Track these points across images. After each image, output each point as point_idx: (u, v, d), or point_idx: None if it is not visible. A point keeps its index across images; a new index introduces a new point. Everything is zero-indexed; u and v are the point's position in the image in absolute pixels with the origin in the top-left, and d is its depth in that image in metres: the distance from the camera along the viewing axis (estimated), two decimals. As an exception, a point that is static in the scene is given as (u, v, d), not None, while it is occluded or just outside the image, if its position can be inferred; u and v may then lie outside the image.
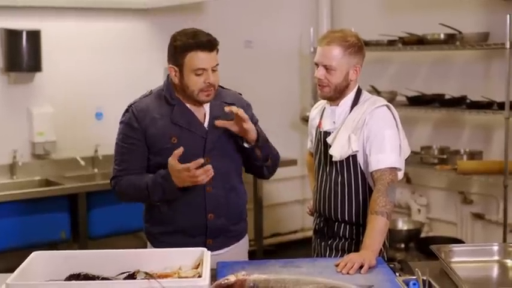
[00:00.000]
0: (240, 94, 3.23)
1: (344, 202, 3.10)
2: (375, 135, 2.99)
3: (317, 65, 3.07)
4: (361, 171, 3.06)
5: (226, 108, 2.92)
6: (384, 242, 3.00)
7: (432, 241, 4.91)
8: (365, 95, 3.15)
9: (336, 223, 3.14)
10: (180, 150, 2.81)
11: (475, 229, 5.61)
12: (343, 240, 3.13)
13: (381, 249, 2.90)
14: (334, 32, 3.11)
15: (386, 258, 3.03)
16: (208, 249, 2.58)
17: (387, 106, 3.09)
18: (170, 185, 2.88)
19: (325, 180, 3.15)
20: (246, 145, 3.02)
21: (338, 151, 3.03)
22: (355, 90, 3.12)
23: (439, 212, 5.90)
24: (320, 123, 3.20)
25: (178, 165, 2.81)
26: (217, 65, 2.96)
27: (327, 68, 3.03)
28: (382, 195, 2.90)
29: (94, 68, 5.56)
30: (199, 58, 2.90)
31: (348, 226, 3.11)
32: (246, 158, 3.11)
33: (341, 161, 3.06)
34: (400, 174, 3.05)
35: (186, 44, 2.89)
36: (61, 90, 5.41)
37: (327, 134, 3.12)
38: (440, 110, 5.41)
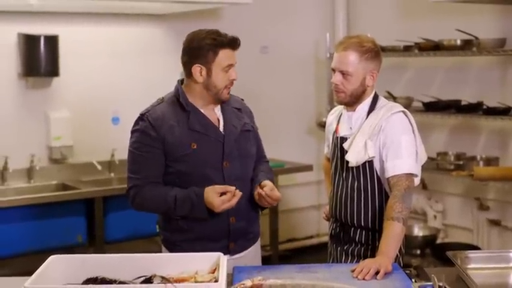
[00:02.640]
0: (242, 100, 3.27)
1: (360, 207, 3.10)
2: (391, 141, 2.99)
3: (334, 70, 3.08)
4: (378, 177, 3.05)
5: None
6: (400, 248, 2.99)
7: (448, 247, 4.89)
8: (382, 100, 3.15)
9: (352, 228, 3.14)
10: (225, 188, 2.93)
11: (491, 235, 5.59)
12: (359, 245, 3.13)
13: (396, 255, 2.89)
14: (350, 38, 3.11)
15: (402, 264, 3.02)
16: (230, 253, 2.64)
17: (404, 112, 3.08)
18: (201, 204, 2.93)
19: (342, 185, 3.16)
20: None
21: (354, 157, 3.03)
22: (372, 96, 3.12)
23: (455, 218, 5.87)
24: (337, 128, 3.20)
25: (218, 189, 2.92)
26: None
27: (344, 74, 3.03)
28: (398, 201, 2.89)
29: (111, 73, 5.60)
30: (229, 55, 3.00)
31: (364, 231, 3.11)
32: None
33: (357, 167, 3.07)
34: (417, 181, 3.04)
35: (219, 42, 2.97)
36: (78, 95, 5.44)
37: (343, 139, 3.12)
38: (457, 116, 5.40)
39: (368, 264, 2.70)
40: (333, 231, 3.26)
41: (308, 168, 6.09)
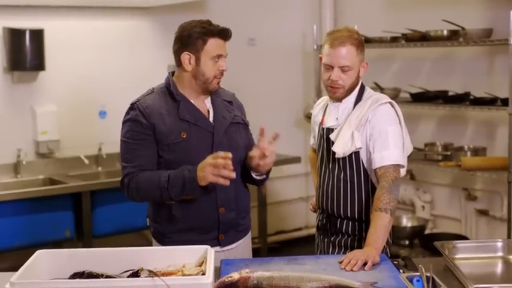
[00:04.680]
0: (233, 94, 3.27)
1: (346, 198, 3.10)
2: (378, 133, 2.99)
3: (329, 67, 3.04)
4: (364, 168, 3.06)
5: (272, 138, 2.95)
6: (387, 239, 3.00)
7: (436, 238, 4.90)
8: (368, 91, 3.15)
9: (339, 219, 3.14)
10: (227, 154, 2.83)
11: (479, 225, 5.61)
12: (346, 236, 3.14)
13: (384, 246, 2.90)
14: (341, 31, 3.07)
15: (389, 255, 3.03)
16: (220, 245, 2.66)
17: (390, 103, 3.08)
18: (193, 178, 2.87)
19: (328, 176, 3.15)
20: (256, 176, 3.07)
21: (341, 148, 3.03)
22: (358, 86, 3.12)
23: (443, 208, 5.89)
24: (323, 119, 3.20)
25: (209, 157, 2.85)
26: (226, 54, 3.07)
27: (343, 69, 3.02)
28: (386, 192, 2.90)
29: (97, 66, 5.57)
30: (219, 44, 3.00)
31: (350, 222, 3.12)
32: (245, 173, 3.12)
33: (343, 158, 3.07)
34: (403, 171, 3.05)
35: (208, 30, 2.98)
36: (64, 89, 5.41)
37: (329, 130, 3.12)
38: (444, 107, 5.40)
39: (356, 255, 2.70)
40: (319, 222, 3.26)
41: (296, 160, 6.08)
